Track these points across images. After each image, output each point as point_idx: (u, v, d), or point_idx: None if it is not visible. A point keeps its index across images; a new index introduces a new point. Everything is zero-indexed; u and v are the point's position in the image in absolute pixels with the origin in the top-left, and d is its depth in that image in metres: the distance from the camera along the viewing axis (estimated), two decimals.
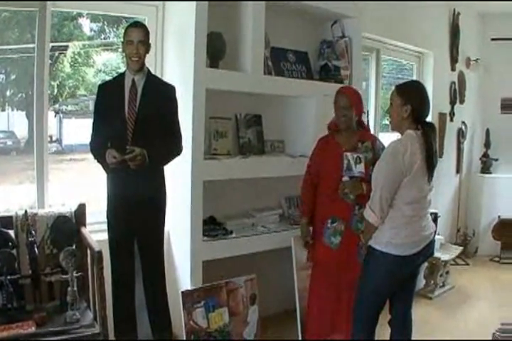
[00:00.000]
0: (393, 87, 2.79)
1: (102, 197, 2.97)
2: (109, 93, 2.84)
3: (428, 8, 5.35)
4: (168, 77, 3.25)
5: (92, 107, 3.76)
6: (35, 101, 3.11)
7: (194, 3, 3.05)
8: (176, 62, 3.34)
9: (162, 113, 2.82)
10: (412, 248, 2.63)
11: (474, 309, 4.36)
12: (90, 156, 2.88)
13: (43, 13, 3.05)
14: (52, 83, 3.26)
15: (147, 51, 2.82)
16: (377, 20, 4.59)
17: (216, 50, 3.26)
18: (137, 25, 2.82)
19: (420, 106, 2.66)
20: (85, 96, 4.05)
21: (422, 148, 2.59)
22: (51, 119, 3.37)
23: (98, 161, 2.81)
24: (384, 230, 2.65)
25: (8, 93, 3.60)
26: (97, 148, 2.80)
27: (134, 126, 2.75)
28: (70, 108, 4.04)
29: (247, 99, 3.65)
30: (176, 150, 2.91)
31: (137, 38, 2.74)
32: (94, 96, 2.94)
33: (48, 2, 3.05)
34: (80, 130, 3.88)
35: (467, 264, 5.71)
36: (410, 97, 2.65)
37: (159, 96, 2.84)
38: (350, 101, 3.07)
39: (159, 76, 3.19)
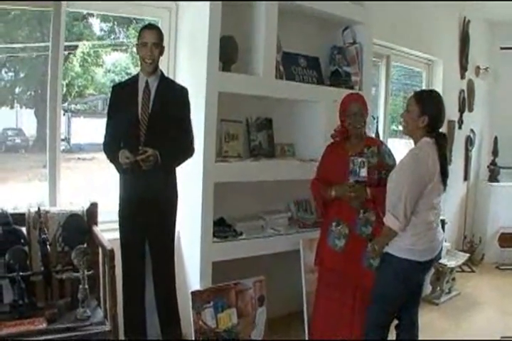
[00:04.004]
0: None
1: (111, 197, 3.00)
2: (123, 94, 2.86)
3: (438, 16, 5.38)
4: (180, 80, 3.26)
5: (100, 107, 3.80)
6: (48, 100, 3.14)
7: (208, 6, 3.07)
8: (189, 65, 3.38)
9: (175, 115, 2.84)
10: (431, 253, 2.66)
11: (480, 316, 4.35)
12: (98, 156, 2.90)
13: (57, 12, 3.09)
14: (62, 82, 3.28)
15: (161, 53, 2.85)
16: (388, 27, 4.62)
17: (228, 53, 3.29)
18: (151, 27, 2.84)
19: (437, 118, 2.68)
20: (94, 95, 4.08)
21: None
22: None
23: (111, 161, 2.83)
24: (405, 237, 2.64)
25: (16, 90, 3.62)
26: (110, 148, 2.83)
27: (146, 127, 2.77)
28: (78, 107, 4.04)
29: (258, 103, 3.68)
30: (188, 151, 2.93)
31: (151, 40, 2.76)
32: (103, 96, 2.96)
33: (63, 2, 3.09)
34: (88, 129, 3.92)
35: (473, 271, 5.69)
36: (429, 108, 2.67)
37: (172, 98, 2.86)
38: (364, 109, 3.12)
39: (172, 78, 3.22)
